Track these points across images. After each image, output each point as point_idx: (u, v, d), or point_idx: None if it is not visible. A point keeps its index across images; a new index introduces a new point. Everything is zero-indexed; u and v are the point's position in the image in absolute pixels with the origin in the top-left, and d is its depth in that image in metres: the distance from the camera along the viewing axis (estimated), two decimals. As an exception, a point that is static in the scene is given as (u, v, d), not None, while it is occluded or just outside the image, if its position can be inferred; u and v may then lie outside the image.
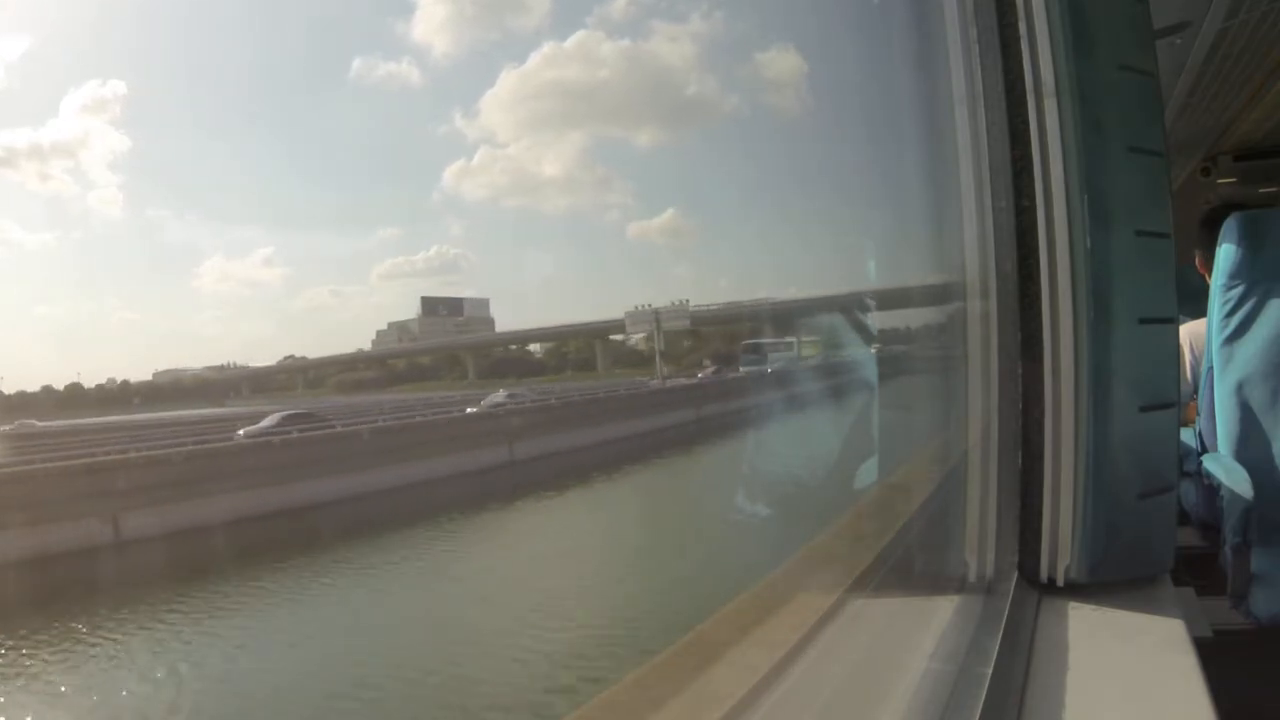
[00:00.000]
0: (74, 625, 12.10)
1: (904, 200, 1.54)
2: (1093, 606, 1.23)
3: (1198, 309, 2.14)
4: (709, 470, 21.41)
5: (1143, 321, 1.26)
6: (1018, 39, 1.25)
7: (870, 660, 1.11)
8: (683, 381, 35.37)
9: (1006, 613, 1.16)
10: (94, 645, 11.57)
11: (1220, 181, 5.52)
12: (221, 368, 43.46)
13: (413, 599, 12.75)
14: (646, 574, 12.28)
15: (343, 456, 18.97)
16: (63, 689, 10.40)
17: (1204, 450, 2.00)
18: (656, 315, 39.03)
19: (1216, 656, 1.07)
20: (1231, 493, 1.67)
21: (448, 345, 46.73)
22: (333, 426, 21.99)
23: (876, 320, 1.90)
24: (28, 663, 11.13)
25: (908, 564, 1.33)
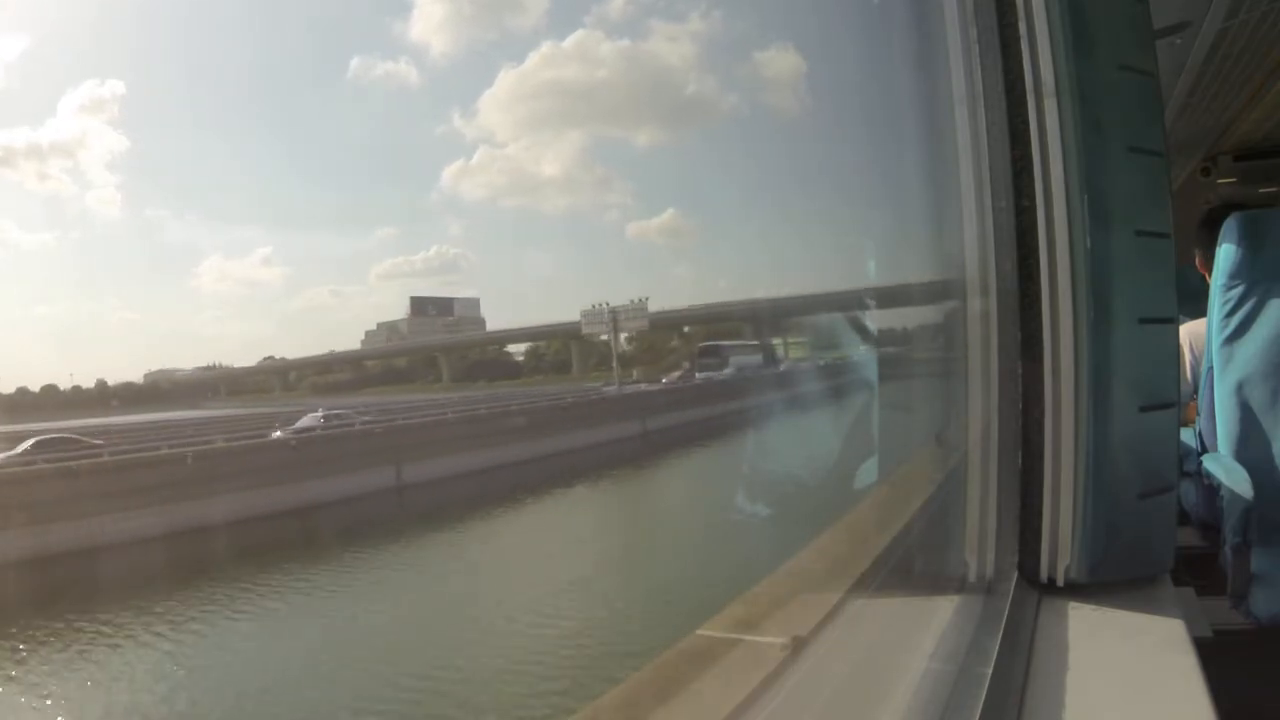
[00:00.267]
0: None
1: (904, 200, 1.54)
2: (1093, 606, 1.23)
3: (1198, 309, 2.14)
4: (635, 503, 20.00)
5: (1143, 321, 1.26)
6: (1018, 39, 1.25)
7: (870, 660, 1.11)
8: (643, 387, 33.31)
9: (1006, 613, 1.16)
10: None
11: (1220, 181, 5.52)
12: (209, 368, 43.31)
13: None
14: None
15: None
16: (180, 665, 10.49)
17: (1204, 450, 2.00)
18: (613, 315, 37.41)
19: (1216, 656, 1.07)
20: (1231, 493, 1.67)
21: (425, 346, 45.94)
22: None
23: (875, 320, 1.90)
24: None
25: (908, 564, 1.33)
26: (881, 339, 1.86)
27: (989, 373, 1.28)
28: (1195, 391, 2.15)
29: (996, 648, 1.04)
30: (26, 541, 13.52)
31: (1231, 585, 1.70)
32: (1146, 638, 1.15)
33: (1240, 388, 1.81)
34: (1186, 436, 2.10)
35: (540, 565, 14.16)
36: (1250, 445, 1.79)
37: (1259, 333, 1.81)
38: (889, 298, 1.83)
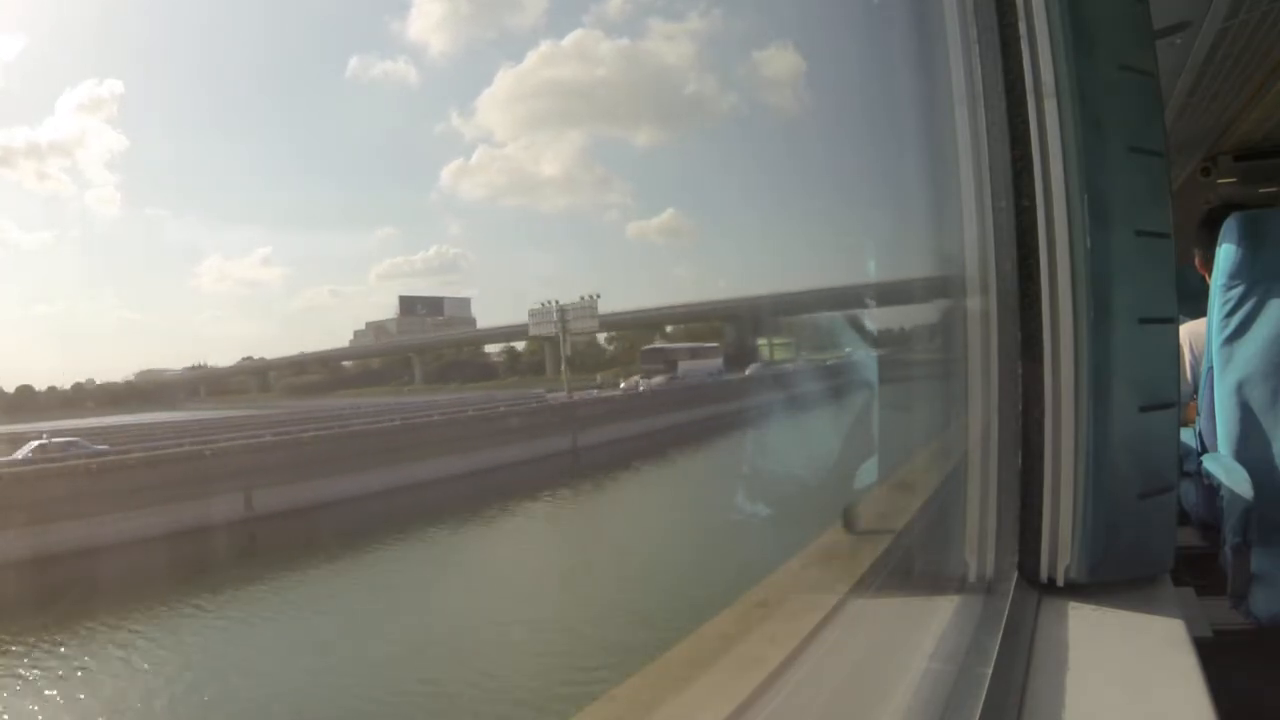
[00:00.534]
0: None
1: (904, 200, 1.54)
2: (1093, 606, 1.23)
3: (1198, 309, 2.14)
4: (537, 550, 16.60)
5: (1143, 321, 1.26)
6: (1018, 39, 1.25)
7: (870, 660, 1.11)
8: (593, 394, 29.64)
9: (1006, 613, 1.16)
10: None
11: (1220, 181, 5.52)
12: (195, 368, 42.90)
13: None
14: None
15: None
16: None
17: (1204, 450, 2.00)
18: (561, 314, 34.14)
19: (1216, 656, 1.07)
20: (1231, 493, 1.67)
21: (401, 346, 44.16)
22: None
23: (873, 320, 1.90)
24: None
25: (908, 564, 1.33)
26: (880, 339, 1.86)
27: (989, 373, 1.28)
28: (1195, 391, 2.15)
29: (996, 648, 1.04)
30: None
31: (1231, 585, 1.70)
32: (1146, 638, 1.15)
33: (1240, 388, 1.81)
34: (1186, 436, 2.10)
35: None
36: (1250, 445, 1.79)
37: (1259, 333, 1.81)
38: (888, 297, 1.83)
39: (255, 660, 11.14)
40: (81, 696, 10.45)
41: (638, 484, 21.51)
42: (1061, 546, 1.27)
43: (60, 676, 10.87)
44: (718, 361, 35.42)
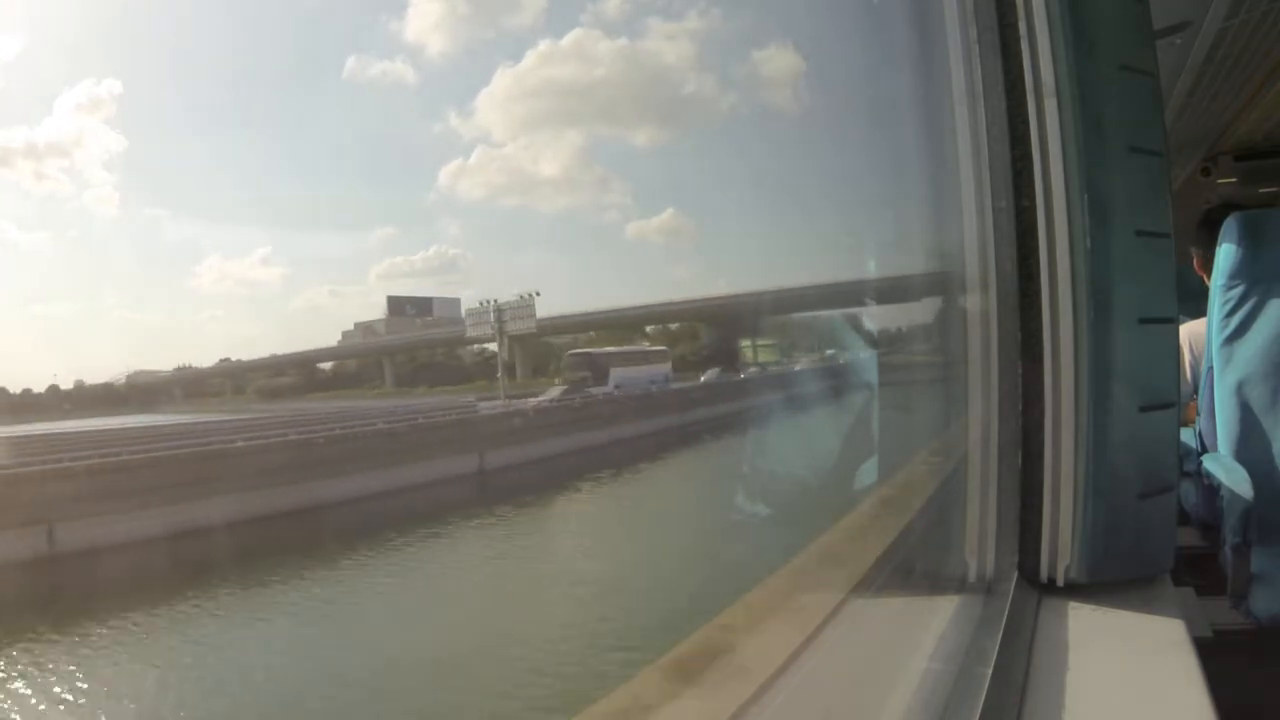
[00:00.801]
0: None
1: (904, 200, 1.54)
2: (1093, 606, 1.23)
3: (1198, 309, 2.14)
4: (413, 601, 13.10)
5: (1143, 321, 1.26)
6: (1018, 39, 1.25)
7: (870, 660, 1.11)
8: (530, 402, 25.49)
9: (1006, 613, 1.15)
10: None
11: (1220, 181, 5.53)
12: (181, 369, 42.39)
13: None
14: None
15: None
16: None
17: (1204, 450, 2.00)
18: (499, 314, 31.51)
19: (1216, 656, 1.07)
20: (1231, 493, 1.67)
21: (374, 348, 42.50)
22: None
23: (873, 320, 1.90)
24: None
25: (908, 564, 1.33)
26: (878, 340, 1.86)
27: (989, 373, 1.28)
28: (1195, 391, 2.15)
29: (996, 648, 1.04)
30: None
31: (1231, 585, 1.70)
32: (1146, 638, 1.15)
33: (1240, 388, 1.81)
34: (1186, 436, 2.10)
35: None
36: (1250, 445, 1.79)
37: (1259, 333, 1.81)
38: (888, 297, 1.83)
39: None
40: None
41: (558, 514, 18.36)
42: (1061, 546, 1.27)
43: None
44: (664, 368, 32.63)
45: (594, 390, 28.83)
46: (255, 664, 10.70)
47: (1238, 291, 1.84)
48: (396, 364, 41.38)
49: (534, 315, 31.93)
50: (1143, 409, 1.26)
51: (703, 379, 32.59)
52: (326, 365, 43.74)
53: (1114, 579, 1.28)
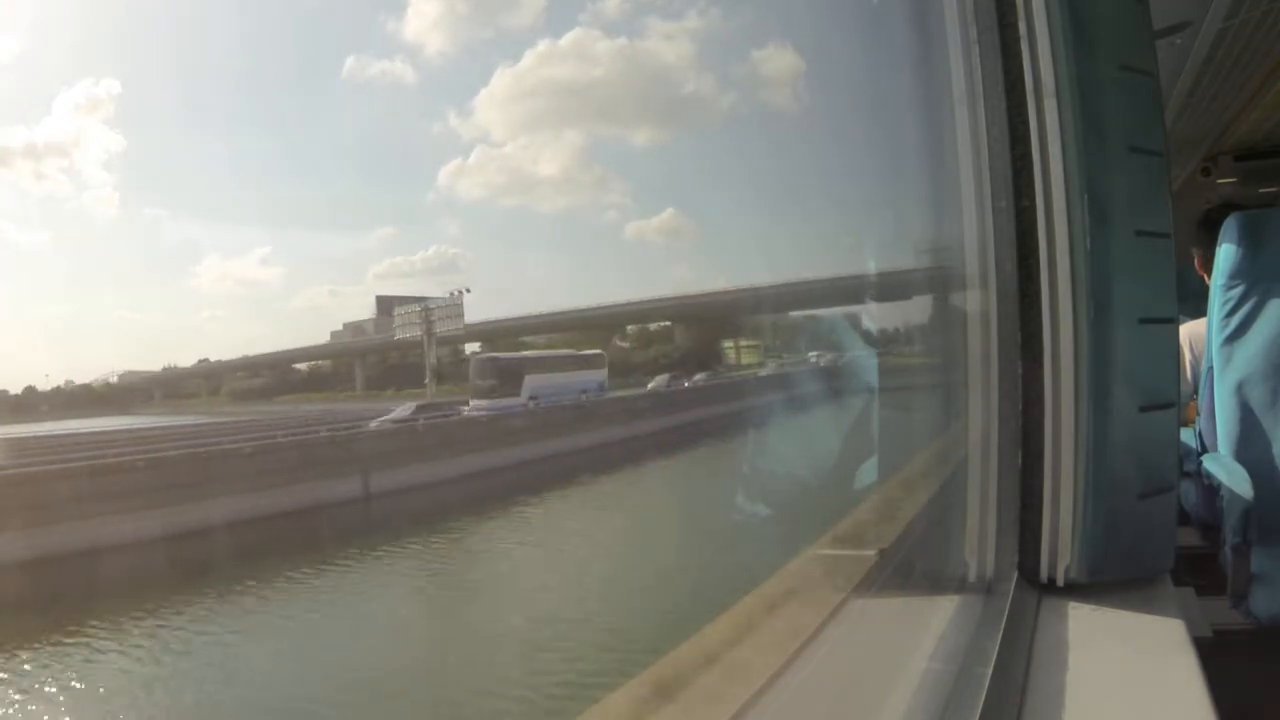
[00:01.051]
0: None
1: (904, 200, 1.54)
2: (1093, 606, 1.23)
3: (1198, 309, 2.14)
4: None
5: (1143, 321, 1.26)
6: (1018, 39, 1.25)
7: (870, 660, 1.11)
8: (372, 425, 21.43)
9: (1006, 613, 1.16)
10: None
11: (1220, 181, 5.53)
12: (167, 369, 41.94)
13: None
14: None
15: None
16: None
17: (1204, 450, 2.00)
18: (427, 314, 29.29)
19: (1216, 656, 1.07)
20: (1231, 493, 1.67)
21: (347, 349, 41.26)
22: None
23: (872, 320, 1.89)
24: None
25: (908, 564, 1.33)
26: (878, 339, 1.86)
27: (989, 373, 1.28)
28: (1195, 391, 2.15)
29: (996, 648, 1.04)
30: None
31: (1231, 585, 1.70)
32: (1146, 638, 1.15)
33: (1240, 388, 1.81)
34: (1186, 436, 2.10)
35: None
36: (1250, 445, 1.79)
37: (1259, 333, 1.81)
38: (887, 297, 1.83)
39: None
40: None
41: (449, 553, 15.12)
42: (1061, 546, 1.27)
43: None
44: (597, 375, 28.52)
45: (489, 405, 23.82)
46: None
47: (1238, 291, 1.84)
48: (368, 366, 40.90)
49: (462, 315, 29.76)
50: (1143, 409, 1.26)
51: (650, 386, 29.65)
52: (303, 366, 43.35)
53: (1114, 579, 1.28)
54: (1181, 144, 5.15)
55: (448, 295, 30.45)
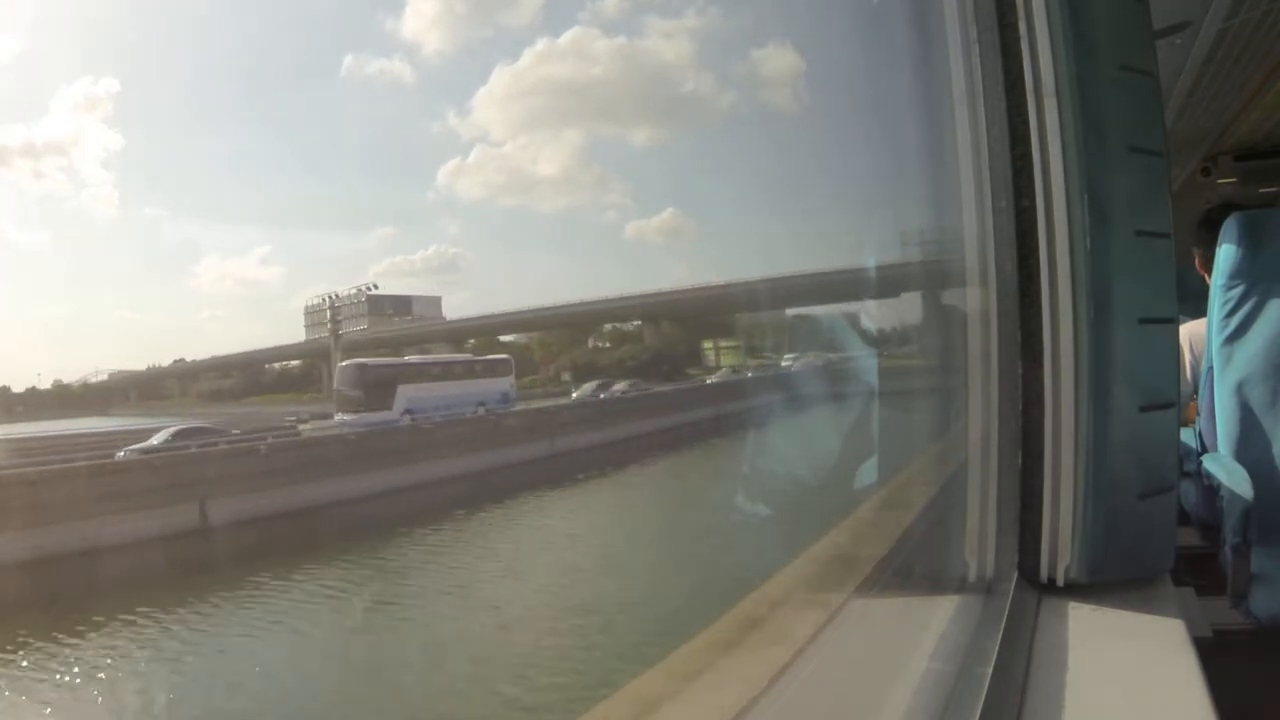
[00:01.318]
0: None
1: (904, 200, 1.54)
2: (1093, 606, 1.23)
3: (1198, 309, 2.14)
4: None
5: (1143, 321, 1.26)
6: (1018, 39, 1.25)
7: (870, 660, 1.11)
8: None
9: (1006, 613, 1.16)
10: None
11: (1220, 181, 5.53)
12: (154, 369, 41.75)
13: None
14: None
15: None
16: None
17: (1204, 450, 2.00)
18: (333, 312, 26.53)
19: (1216, 656, 1.07)
20: (1231, 493, 1.67)
21: (318, 349, 38.31)
22: None
23: (871, 320, 1.89)
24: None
25: (908, 564, 1.33)
26: (877, 339, 1.86)
27: (989, 373, 1.28)
28: (1195, 391, 2.15)
29: (996, 648, 1.04)
30: None
31: (1231, 585, 1.70)
32: (1146, 638, 1.15)
33: (1240, 388, 1.81)
34: (1186, 436, 2.10)
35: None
36: (1250, 445, 1.79)
37: (1259, 333, 1.81)
38: (886, 297, 1.83)
39: None
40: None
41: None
42: (1061, 546, 1.27)
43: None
44: (502, 383, 24.53)
45: (354, 420, 20.16)
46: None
47: (1238, 291, 1.84)
48: (334, 367, 40.15)
49: (365, 313, 27.28)
50: (1143, 409, 1.26)
51: (574, 395, 25.75)
52: (276, 365, 42.15)
53: (1114, 579, 1.28)
54: (1181, 144, 5.15)
55: (357, 289, 27.79)
